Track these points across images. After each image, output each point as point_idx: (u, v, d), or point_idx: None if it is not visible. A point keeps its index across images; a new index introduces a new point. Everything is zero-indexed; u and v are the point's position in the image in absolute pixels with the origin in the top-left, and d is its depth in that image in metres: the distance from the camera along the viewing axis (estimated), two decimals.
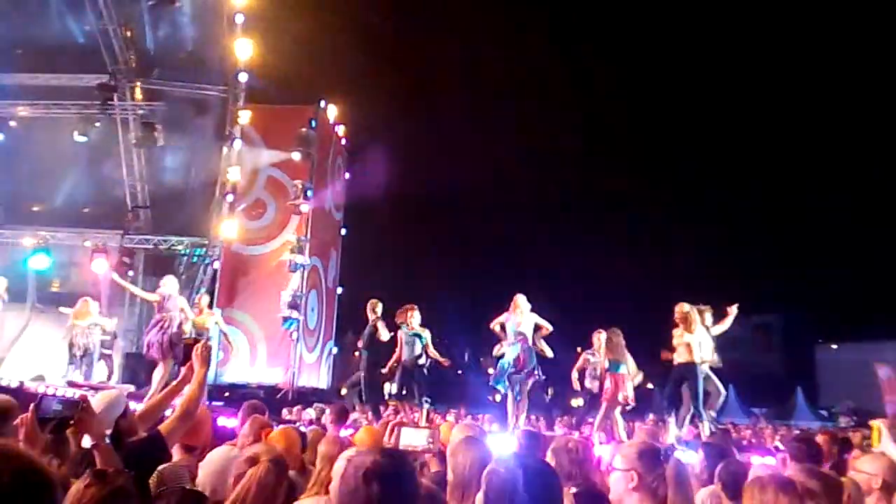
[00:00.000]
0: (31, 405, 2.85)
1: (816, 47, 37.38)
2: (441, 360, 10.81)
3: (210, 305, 13.93)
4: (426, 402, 10.25)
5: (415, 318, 10.52)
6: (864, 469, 3.60)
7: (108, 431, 3.22)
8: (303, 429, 5.74)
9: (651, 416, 15.83)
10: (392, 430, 4.72)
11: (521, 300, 9.72)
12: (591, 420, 11.12)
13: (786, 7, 36.52)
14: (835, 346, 42.64)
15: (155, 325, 10.53)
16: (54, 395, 3.06)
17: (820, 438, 6.20)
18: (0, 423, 3.05)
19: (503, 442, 6.43)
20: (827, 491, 2.99)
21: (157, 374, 10.28)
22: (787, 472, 3.38)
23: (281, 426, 4.84)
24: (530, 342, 9.63)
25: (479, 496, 2.75)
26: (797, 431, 14.52)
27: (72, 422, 2.88)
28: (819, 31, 36.63)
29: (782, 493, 2.72)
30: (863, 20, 34.57)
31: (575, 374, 11.11)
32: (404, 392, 10.35)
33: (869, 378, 29.60)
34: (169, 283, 11.00)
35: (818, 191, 39.66)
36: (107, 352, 12.98)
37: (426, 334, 10.61)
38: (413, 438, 4.33)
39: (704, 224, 40.54)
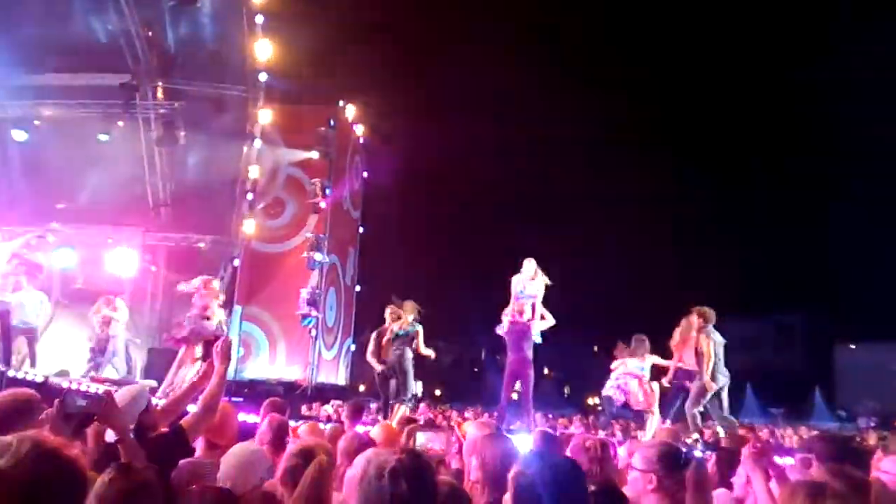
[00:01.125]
0: (56, 401, 2.90)
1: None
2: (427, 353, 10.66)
3: (224, 305, 13.96)
4: (409, 400, 10.15)
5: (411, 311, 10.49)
6: (888, 469, 3.53)
7: (132, 426, 3.28)
8: (321, 426, 5.81)
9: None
10: (409, 434, 4.74)
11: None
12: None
13: None
14: (853, 347, 42.24)
15: None
16: (79, 391, 3.11)
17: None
18: (25, 418, 3.11)
19: (519, 441, 6.40)
20: (853, 491, 2.95)
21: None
22: (811, 472, 3.34)
23: (308, 422, 4.89)
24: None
25: (507, 497, 2.77)
26: (815, 432, 14.40)
27: (96, 417, 2.92)
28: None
29: (810, 500, 2.67)
30: None
31: None
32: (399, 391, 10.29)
33: (888, 378, 29.36)
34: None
35: (840, 192, 39.31)
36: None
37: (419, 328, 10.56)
38: (428, 441, 4.40)
39: (726, 224, 40.31)
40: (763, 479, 3.34)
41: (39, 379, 7.76)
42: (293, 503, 2.92)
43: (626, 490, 3.29)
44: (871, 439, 8.71)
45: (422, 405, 18.26)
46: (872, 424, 21.63)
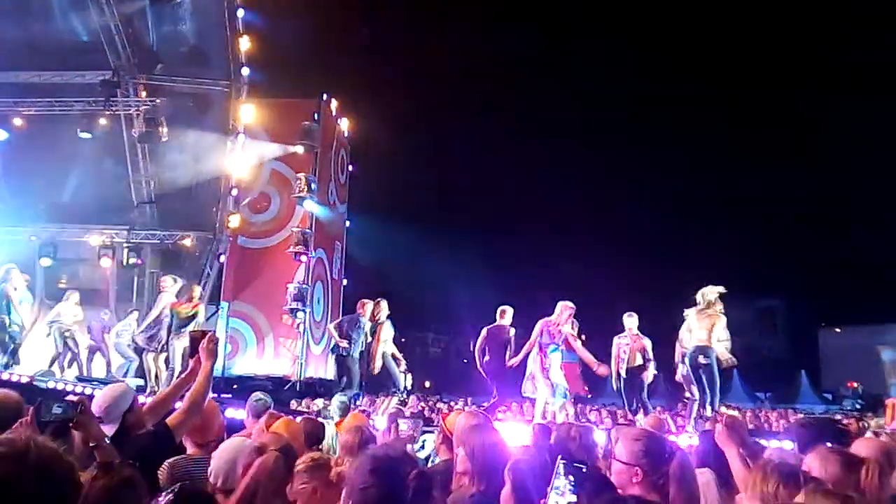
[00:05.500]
0: (31, 409, 2.90)
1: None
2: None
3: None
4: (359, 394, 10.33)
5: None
6: (858, 451, 3.55)
7: (115, 426, 3.28)
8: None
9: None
10: (390, 424, 4.76)
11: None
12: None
13: None
14: (838, 330, 42.61)
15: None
16: (56, 392, 3.10)
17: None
18: (9, 422, 3.08)
19: (511, 431, 6.42)
20: (844, 470, 2.93)
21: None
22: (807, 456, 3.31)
23: (283, 417, 4.86)
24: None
25: (506, 489, 2.77)
26: (800, 415, 14.54)
27: (71, 424, 2.91)
28: None
29: (783, 486, 2.64)
30: None
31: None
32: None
33: (872, 361, 29.72)
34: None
35: (821, 176, 39.59)
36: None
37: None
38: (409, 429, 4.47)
39: (708, 208, 40.49)
40: (737, 454, 3.38)
41: (25, 380, 7.72)
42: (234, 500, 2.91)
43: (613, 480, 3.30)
44: (852, 427, 8.75)
45: (412, 397, 18.28)
46: (858, 407, 21.87)
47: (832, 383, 35.21)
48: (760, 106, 42.29)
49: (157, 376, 11.33)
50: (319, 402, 11.89)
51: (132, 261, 17.07)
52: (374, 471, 2.29)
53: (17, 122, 17.19)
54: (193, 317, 11.51)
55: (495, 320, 10.05)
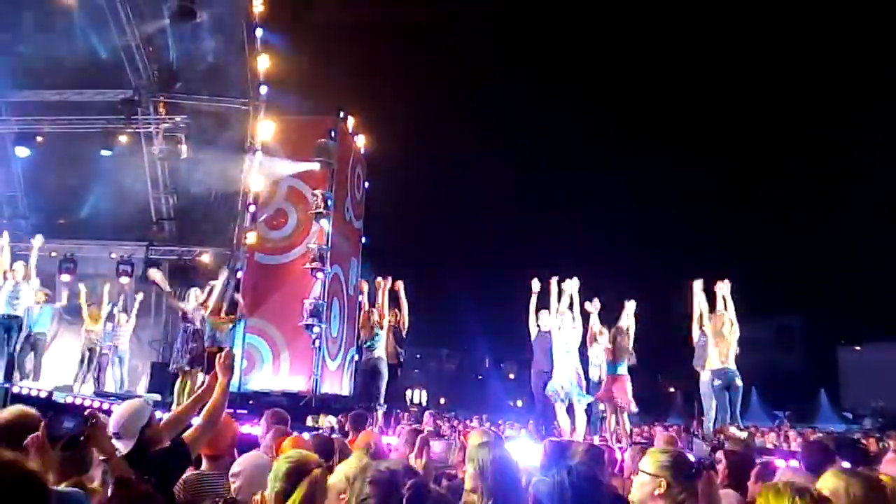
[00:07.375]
0: (42, 424, 2.91)
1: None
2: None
3: (228, 313, 14.17)
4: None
5: None
6: (888, 471, 3.41)
7: (132, 442, 3.31)
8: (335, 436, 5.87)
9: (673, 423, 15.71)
10: (422, 447, 4.74)
11: None
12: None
13: None
14: (858, 347, 42.09)
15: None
16: (67, 410, 3.12)
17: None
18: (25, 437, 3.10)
19: (522, 448, 6.40)
20: (870, 493, 2.89)
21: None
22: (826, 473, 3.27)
23: (293, 434, 4.89)
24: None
25: None
26: (820, 434, 14.37)
27: (82, 439, 2.93)
28: None
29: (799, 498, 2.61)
30: None
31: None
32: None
33: (893, 379, 29.26)
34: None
35: (840, 193, 39.34)
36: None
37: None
38: (438, 449, 4.48)
39: (727, 226, 40.28)
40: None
41: (44, 394, 7.80)
42: None
43: (631, 496, 3.28)
44: (871, 446, 8.60)
45: (426, 414, 18.26)
46: (878, 425, 21.52)
47: (852, 402, 34.68)
48: (777, 128, 42.19)
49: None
50: (332, 419, 11.91)
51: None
52: (373, 482, 2.34)
53: (39, 139, 17.45)
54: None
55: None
